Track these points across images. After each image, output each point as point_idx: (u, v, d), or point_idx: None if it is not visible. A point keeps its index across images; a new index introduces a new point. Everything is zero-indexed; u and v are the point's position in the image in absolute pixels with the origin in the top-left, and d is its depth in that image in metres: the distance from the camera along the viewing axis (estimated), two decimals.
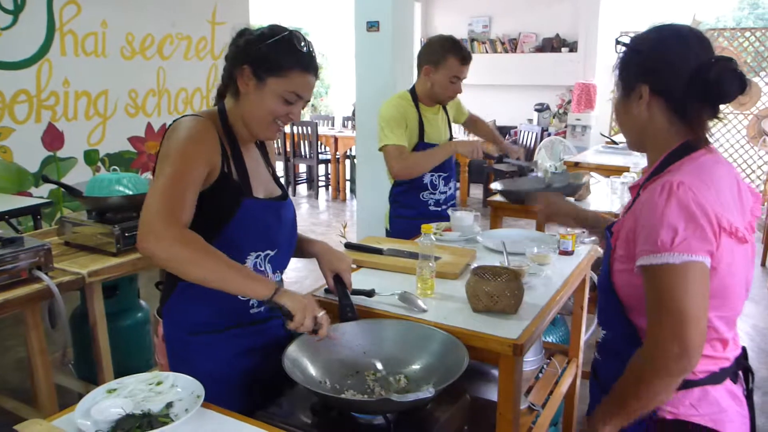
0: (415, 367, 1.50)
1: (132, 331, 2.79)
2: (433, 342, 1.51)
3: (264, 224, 1.52)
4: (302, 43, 1.47)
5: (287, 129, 8.00)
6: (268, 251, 1.55)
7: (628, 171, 3.77)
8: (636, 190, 1.36)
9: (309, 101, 1.54)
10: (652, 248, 1.18)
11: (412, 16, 4.31)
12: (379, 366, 1.51)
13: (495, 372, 1.98)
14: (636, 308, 1.30)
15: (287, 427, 1.30)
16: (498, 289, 1.67)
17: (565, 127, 8.41)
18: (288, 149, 8.06)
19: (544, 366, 2.38)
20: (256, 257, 1.53)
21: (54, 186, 3.40)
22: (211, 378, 1.35)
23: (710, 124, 1.28)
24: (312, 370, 1.45)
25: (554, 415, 2.21)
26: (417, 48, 3.17)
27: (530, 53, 8.70)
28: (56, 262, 2.26)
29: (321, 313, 1.42)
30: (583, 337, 2.50)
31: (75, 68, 3.42)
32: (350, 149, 7.78)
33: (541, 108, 8.06)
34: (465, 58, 2.64)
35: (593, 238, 2.27)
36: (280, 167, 8.30)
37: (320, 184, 8.44)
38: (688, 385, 1.25)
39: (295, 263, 5.25)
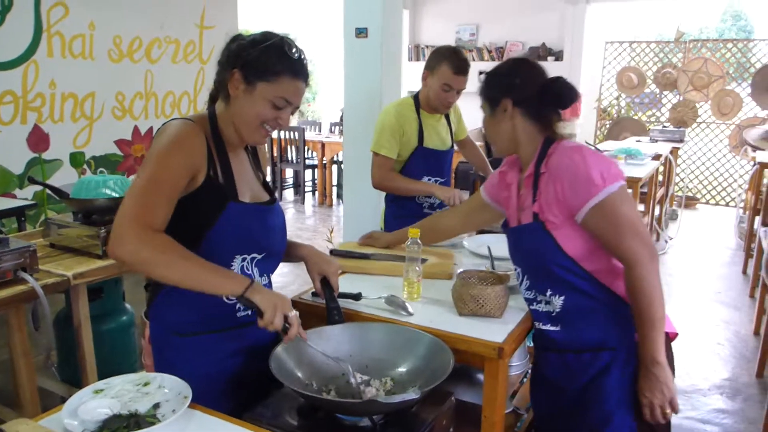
0: (402, 369, 1.51)
1: (117, 334, 2.77)
2: (419, 345, 1.53)
3: (249, 228, 1.53)
4: (293, 50, 1.48)
5: (274, 134, 7.96)
6: (255, 254, 1.56)
7: None
8: (531, 180, 1.63)
9: (298, 107, 1.55)
10: (590, 192, 1.49)
11: (401, 23, 4.34)
12: (366, 368, 1.52)
13: (480, 375, 2.00)
14: (585, 257, 1.57)
15: (274, 428, 1.31)
16: (483, 293, 1.69)
17: None
18: (275, 154, 8.06)
19: (529, 370, 2.39)
20: (242, 260, 1.54)
21: (39, 188, 3.38)
22: (198, 379, 1.36)
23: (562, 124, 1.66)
24: (298, 372, 1.46)
25: None
26: (405, 55, 3.20)
27: None
28: (41, 264, 2.25)
29: (292, 313, 1.42)
30: None
31: (62, 70, 3.40)
32: (337, 155, 7.79)
33: None
34: (458, 68, 2.62)
35: None
36: (267, 172, 8.27)
37: (307, 189, 8.44)
38: None
39: (281, 267, 5.20)
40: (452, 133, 2.97)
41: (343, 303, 1.75)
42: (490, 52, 9.02)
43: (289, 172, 8.60)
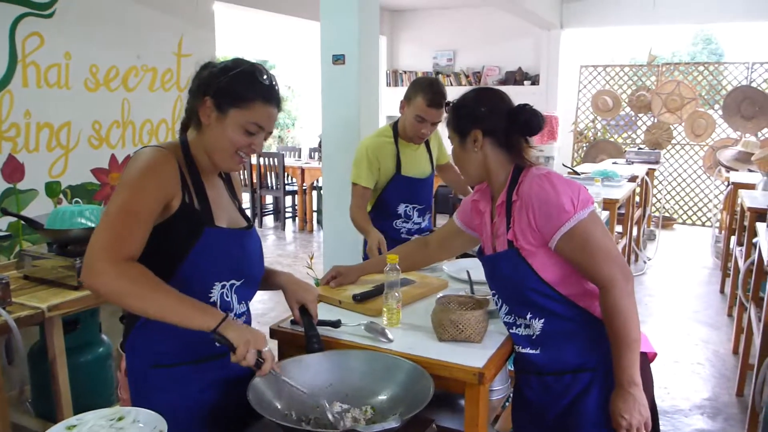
0: (382, 397, 1.50)
1: (93, 366, 2.72)
2: (399, 372, 1.52)
3: (227, 253, 1.52)
4: (264, 76, 1.48)
5: (253, 160, 7.98)
6: (233, 281, 1.55)
7: None
8: (503, 207, 1.65)
9: (271, 133, 1.54)
10: (561, 219, 1.51)
11: (377, 49, 4.38)
12: (346, 397, 1.50)
13: (462, 401, 1.99)
14: (561, 281, 1.59)
15: None
16: (463, 318, 1.69)
17: None
18: (254, 180, 8.04)
19: (510, 395, 2.38)
20: (222, 287, 1.52)
21: (14, 218, 3.32)
22: (175, 412, 1.33)
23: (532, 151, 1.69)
24: (277, 403, 1.44)
25: None
26: (383, 81, 3.23)
27: (494, 86, 8.88)
28: (15, 297, 2.21)
29: (266, 348, 1.41)
30: None
31: (37, 99, 3.38)
32: (317, 180, 7.80)
33: None
34: (432, 101, 2.60)
35: None
36: (246, 198, 8.26)
37: (287, 215, 8.42)
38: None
39: (261, 294, 5.19)
40: (432, 160, 2.98)
41: (323, 331, 1.73)
42: (467, 76, 9.14)
43: (269, 199, 8.58)
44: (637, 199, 6.45)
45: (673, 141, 8.31)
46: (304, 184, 7.93)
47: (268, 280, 1.75)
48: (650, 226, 7.49)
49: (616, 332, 1.52)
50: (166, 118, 4.18)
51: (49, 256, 2.44)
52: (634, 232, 6.36)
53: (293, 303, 1.71)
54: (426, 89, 2.61)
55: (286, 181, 8.00)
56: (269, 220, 8.71)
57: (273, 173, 7.96)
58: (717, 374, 3.86)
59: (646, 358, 1.68)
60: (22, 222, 2.76)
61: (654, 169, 7.24)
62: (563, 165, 6.77)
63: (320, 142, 5.39)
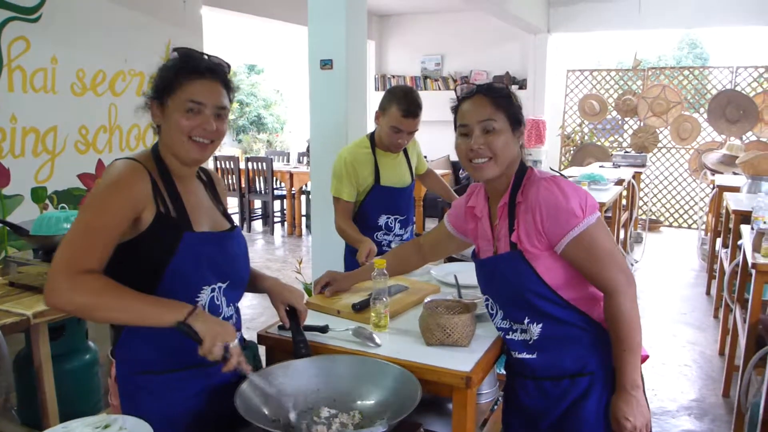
0: (369, 402, 1.50)
1: (79, 373, 2.70)
2: (387, 377, 1.52)
3: (209, 257, 1.51)
4: (192, 55, 1.50)
5: (242, 165, 7.97)
6: (220, 283, 1.55)
7: None
8: (505, 209, 1.63)
9: (224, 108, 1.51)
10: (570, 223, 1.51)
11: (365, 54, 4.38)
12: (334, 402, 1.50)
13: (450, 405, 1.99)
14: (563, 285, 1.58)
15: None
16: (450, 323, 1.70)
17: None
18: (243, 185, 8.02)
19: (499, 398, 2.39)
20: (211, 291, 1.52)
21: None
22: (162, 419, 1.33)
23: None
24: (265, 409, 1.43)
25: None
26: (371, 85, 3.22)
27: None
28: (0, 304, 2.19)
29: (233, 343, 1.39)
30: None
31: (23, 104, 3.36)
32: (305, 185, 7.79)
33: None
34: (407, 111, 2.55)
35: None
36: (235, 203, 8.24)
37: (276, 219, 8.40)
38: None
39: (250, 299, 5.19)
40: (411, 169, 2.93)
41: (310, 336, 1.73)
42: (455, 81, 9.17)
43: (257, 203, 8.56)
44: (624, 202, 6.50)
45: (659, 144, 8.38)
46: (293, 189, 7.92)
47: (255, 284, 1.75)
48: (637, 228, 7.55)
49: (621, 337, 1.53)
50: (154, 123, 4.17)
51: (35, 263, 2.42)
52: (621, 235, 6.40)
53: (279, 305, 1.71)
54: (401, 99, 2.56)
55: (274, 186, 7.99)
56: (258, 224, 8.69)
57: (261, 178, 7.94)
58: (704, 375, 3.89)
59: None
60: (8, 228, 2.75)
61: (640, 173, 7.30)
62: (550, 168, 6.80)
63: (308, 146, 5.40)
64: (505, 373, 1.83)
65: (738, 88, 7.89)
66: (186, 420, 1.52)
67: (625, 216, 6.47)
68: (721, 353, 4.13)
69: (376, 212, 2.77)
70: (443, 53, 9.34)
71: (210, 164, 1.99)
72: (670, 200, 8.62)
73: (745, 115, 7.42)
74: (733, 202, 4.38)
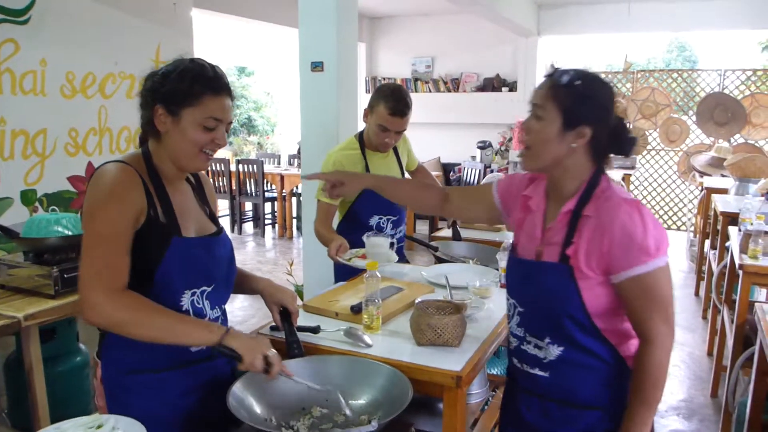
0: (361, 401, 1.51)
1: (70, 376, 2.70)
2: (378, 377, 1.53)
3: (196, 261, 1.52)
4: (207, 68, 1.50)
5: (233, 167, 7.96)
6: (204, 287, 1.55)
7: None
8: (568, 217, 1.49)
9: (231, 123, 1.55)
10: (640, 259, 1.39)
11: (356, 56, 4.39)
12: (326, 402, 1.51)
13: (441, 405, 2.00)
14: (601, 314, 1.47)
15: None
16: (441, 323, 1.71)
17: (507, 163, 8.61)
18: (234, 187, 8.01)
19: (490, 398, 2.41)
20: (192, 294, 1.53)
21: None
22: (153, 419, 1.33)
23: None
24: (257, 408, 1.44)
25: None
26: (361, 87, 3.22)
27: (472, 92, 8.95)
28: None
29: (271, 352, 1.44)
30: None
31: (12, 107, 3.34)
32: (296, 187, 7.79)
33: (484, 145, 8.27)
34: (394, 110, 2.52)
35: None
36: (225, 205, 8.23)
37: (267, 222, 8.39)
38: None
39: (242, 302, 5.19)
40: (402, 167, 2.92)
41: (303, 336, 1.74)
42: (446, 83, 9.19)
43: (248, 205, 8.55)
44: None
45: (649, 146, 8.44)
46: (284, 191, 7.92)
47: (247, 285, 1.77)
48: None
49: (641, 388, 1.44)
50: None
51: (26, 265, 2.41)
52: None
53: (272, 306, 1.72)
54: (388, 97, 2.53)
55: (265, 188, 7.98)
56: (249, 226, 8.67)
57: (252, 180, 7.94)
58: (692, 376, 3.92)
59: None
60: None
61: (630, 174, 7.35)
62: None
63: (299, 148, 5.40)
64: (497, 374, 1.83)
65: (726, 91, 7.96)
66: (175, 419, 1.53)
67: None
68: (710, 354, 4.17)
69: (367, 213, 2.75)
70: (434, 55, 9.36)
71: None
72: (659, 202, 8.68)
73: (733, 117, 7.48)
74: (720, 203, 4.42)
